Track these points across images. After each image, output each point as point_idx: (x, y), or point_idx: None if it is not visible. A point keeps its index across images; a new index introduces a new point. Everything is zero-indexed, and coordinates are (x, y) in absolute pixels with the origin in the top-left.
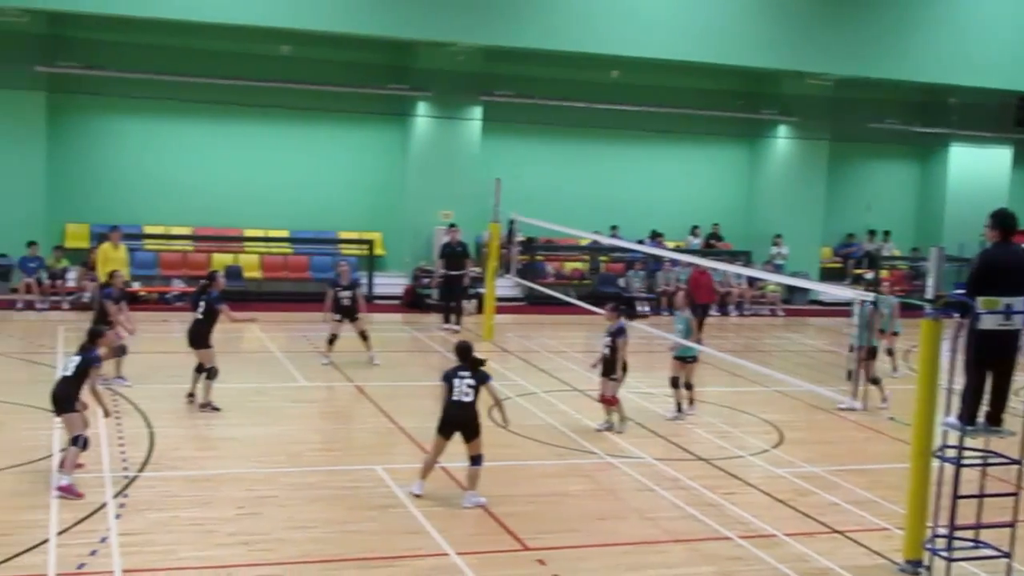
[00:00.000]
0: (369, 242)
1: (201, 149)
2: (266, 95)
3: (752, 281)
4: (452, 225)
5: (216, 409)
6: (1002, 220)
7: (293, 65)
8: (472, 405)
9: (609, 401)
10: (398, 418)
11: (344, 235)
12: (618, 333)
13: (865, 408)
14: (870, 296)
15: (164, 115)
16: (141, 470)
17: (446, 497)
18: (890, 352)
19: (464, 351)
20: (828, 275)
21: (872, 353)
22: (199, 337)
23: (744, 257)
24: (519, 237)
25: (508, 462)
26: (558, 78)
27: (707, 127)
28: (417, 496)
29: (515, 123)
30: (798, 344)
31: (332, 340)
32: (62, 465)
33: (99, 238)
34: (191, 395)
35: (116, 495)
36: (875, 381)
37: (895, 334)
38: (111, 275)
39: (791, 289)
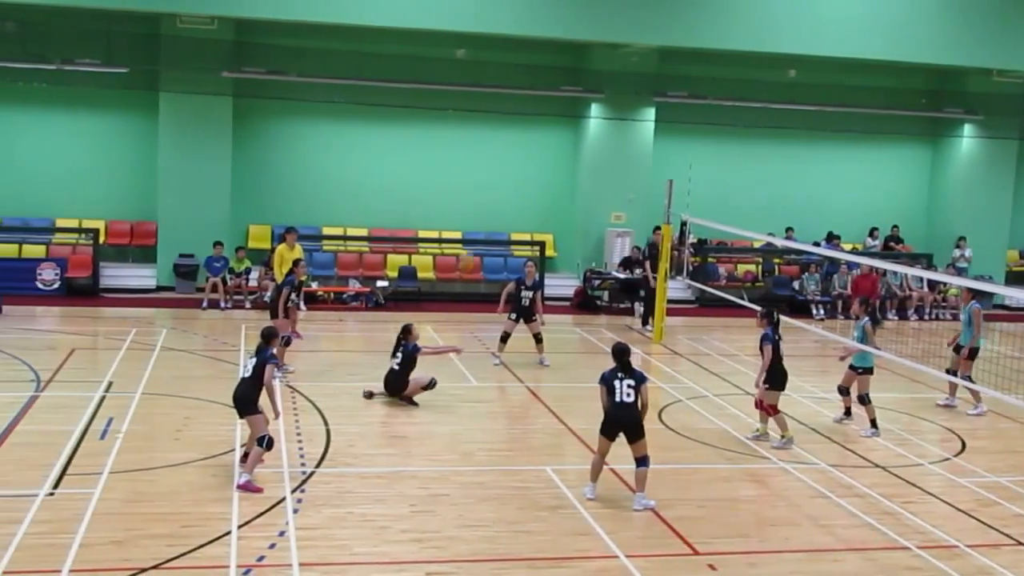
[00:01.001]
0: (541, 243)
1: (377, 152)
2: (441, 98)
3: (933, 285)
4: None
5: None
6: None
7: (468, 68)
8: (634, 406)
9: (766, 410)
10: (568, 419)
11: (516, 236)
12: (764, 340)
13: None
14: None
15: (341, 118)
16: (318, 466)
17: (615, 499)
18: None
19: (620, 353)
20: (1015, 279)
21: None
22: (397, 384)
23: (925, 260)
24: (691, 239)
25: (679, 465)
26: (732, 78)
27: (888, 126)
28: (590, 500)
29: (688, 124)
30: (982, 350)
31: (505, 339)
32: (244, 462)
33: (279, 239)
34: (369, 393)
35: (294, 490)
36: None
37: None
38: (296, 263)
39: (975, 293)
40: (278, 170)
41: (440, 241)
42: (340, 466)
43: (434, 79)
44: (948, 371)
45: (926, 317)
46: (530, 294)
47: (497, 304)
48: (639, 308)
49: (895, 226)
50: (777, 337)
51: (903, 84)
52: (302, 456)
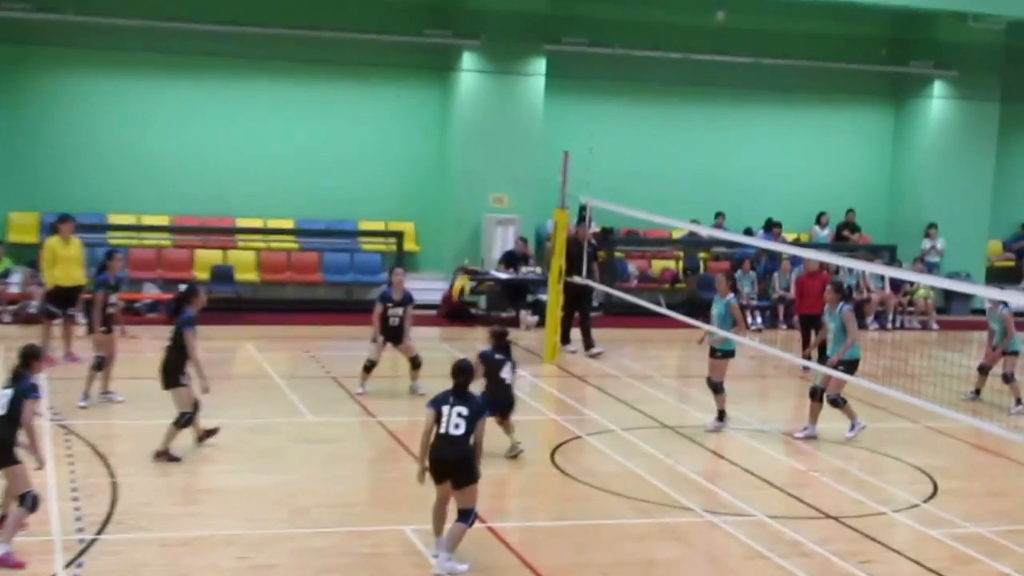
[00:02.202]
0: (398, 235)
1: (182, 117)
2: (275, 45)
3: (898, 285)
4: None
5: (174, 459)
6: None
7: (307, 8)
8: (463, 442)
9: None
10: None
11: (366, 226)
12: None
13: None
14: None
15: (134, 72)
16: (101, 531)
17: (494, 567)
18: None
19: (458, 372)
20: (998, 276)
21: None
22: (169, 372)
23: (887, 253)
24: (593, 228)
25: (577, 521)
26: (644, 21)
27: (840, 84)
28: (437, 558)
29: (589, 80)
30: (957, 366)
31: (370, 368)
32: (0, 528)
33: (49, 230)
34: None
35: (68, 564)
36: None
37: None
38: (109, 256)
39: (948, 295)
40: (49, 140)
41: (266, 232)
42: (131, 531)
43: (263, 21)
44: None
45: (889, 325)
46: (400, 311)
47: (356, 315)
48: (528, 317)
49: (850, 211)
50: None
51: (859, 31)
52: (79, 519)
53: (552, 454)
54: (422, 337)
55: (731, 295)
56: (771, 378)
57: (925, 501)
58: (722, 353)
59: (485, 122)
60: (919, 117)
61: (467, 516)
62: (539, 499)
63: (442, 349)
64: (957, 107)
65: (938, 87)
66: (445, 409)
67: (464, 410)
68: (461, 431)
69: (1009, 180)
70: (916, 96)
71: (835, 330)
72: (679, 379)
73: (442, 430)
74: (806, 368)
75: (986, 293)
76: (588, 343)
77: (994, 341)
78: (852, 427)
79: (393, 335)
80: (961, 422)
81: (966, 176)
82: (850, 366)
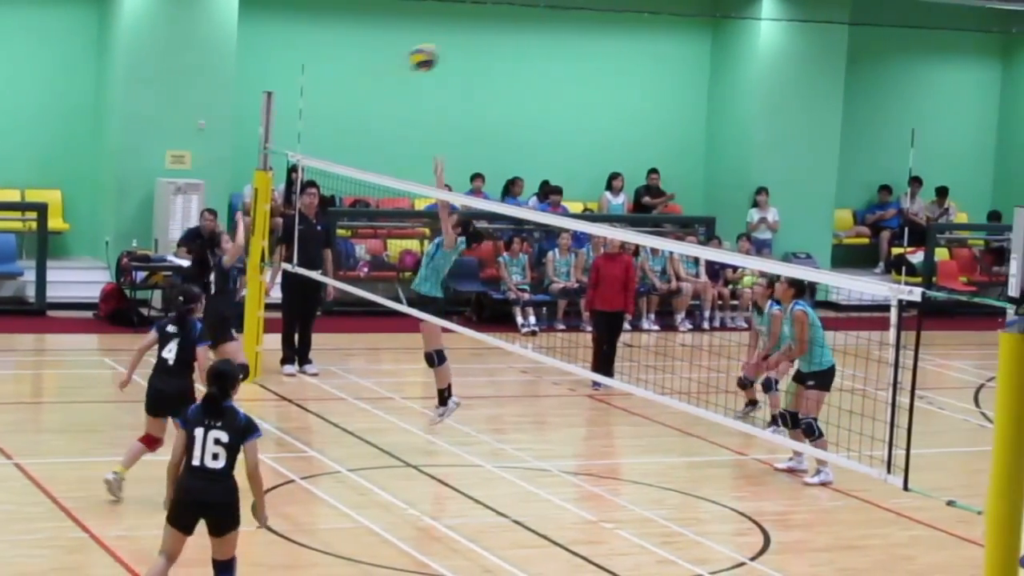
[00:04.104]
0: (40, 207)
1: None
2: None
3: (716, 271)
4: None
5: None
6: None
7: None
8: (224, 476)
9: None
10: (89, 520)
11: None
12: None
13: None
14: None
15: None
16: None
17: None
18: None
19: (217, 376)
20: (848, 257)
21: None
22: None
23: (704, 228)
24: (313, 195)
25: None
26: None
27: (636, 2)
28: None
29: None
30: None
31: None
32: None
33: None
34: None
35: None
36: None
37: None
38: None
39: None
40: None
41: None
42: None
43: None
44: None
45: (705, 324)
46: None
47: None
48: None
49: (653, 171)
50: None
51: None
52: None
53: (253, 505)
54: (69, 347)
55: None
56: (552, 398)
57: (753, 559)
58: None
59: (157, 54)
60: (744, 47)
61: (228, 569)
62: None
63: (104, 365)
64: (792, 34)
65: (767, 5)
66: (199, 433)
67: (223, 436)
68: (220, 464)
69: (863, 132)
70: (738, 16)
71: (786, 335)
72: (427, 401)
73: (195, 462)
74: (597, 384)
75: (833, 280)
76: (304, 356)
77: (761, 345)
78: (818, 472)
79: None
80: (804, 452)
81: (806, 127)
82: (825, 378)
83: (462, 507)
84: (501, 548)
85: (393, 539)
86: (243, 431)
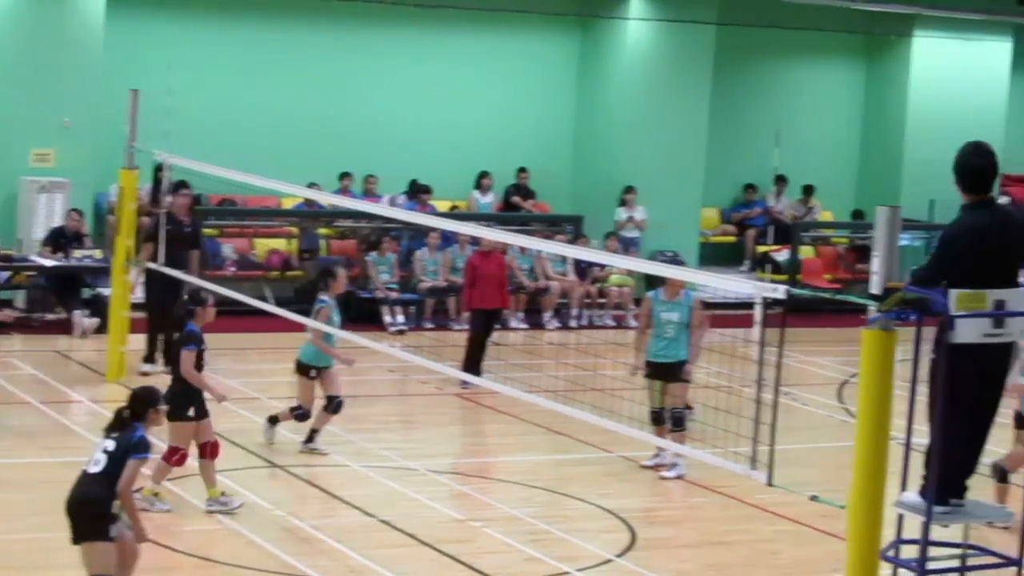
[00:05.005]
0: None
1: None
2: None
3: (584, 269)
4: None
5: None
6: (970, 170)
7: None
8: (95, 480)
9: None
10: None
11: None
12: None
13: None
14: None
15: None
16: None
17: None
18: None
19: (134, 399)
20: (715, 256)
21: None
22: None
23: (572, 226)
24: (187, 195)
25: None
26: None
27: (505, 0)
28: None
29: None
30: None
31: None
32: None
33: None
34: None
35: None
36: None
37: None
38: None
39: (651, 281)
40: None
41: None
42: None
43: None
44: None
45: (573, 323)
46: None
47: None
48: (84, 320)
49: (522, 170)
50: None
51: None
52: None
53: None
54: None
55: (325, 299)
56: (420, 397)
57: (620, 555)
58: (314, 370)
59: (21, 51)
60: (612, 46)
61: None
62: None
63: None
64: (661, 33)
65: (635, 5)
66: (97, 440)
67: (111, 445)
68: (99, 468)
69: (730, 131)
70: (607, 16)
71: (678, 326)
72: (293, 401)
73: (87, 467)
74: (466, 384)
75: (699, 278)
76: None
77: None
78: (674, 465)
79: None
80: (669, 449)
81: (674, 126)
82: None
83: (329, 507)
84: (368, 548)
85: (259, 540)
86: (129, 447)
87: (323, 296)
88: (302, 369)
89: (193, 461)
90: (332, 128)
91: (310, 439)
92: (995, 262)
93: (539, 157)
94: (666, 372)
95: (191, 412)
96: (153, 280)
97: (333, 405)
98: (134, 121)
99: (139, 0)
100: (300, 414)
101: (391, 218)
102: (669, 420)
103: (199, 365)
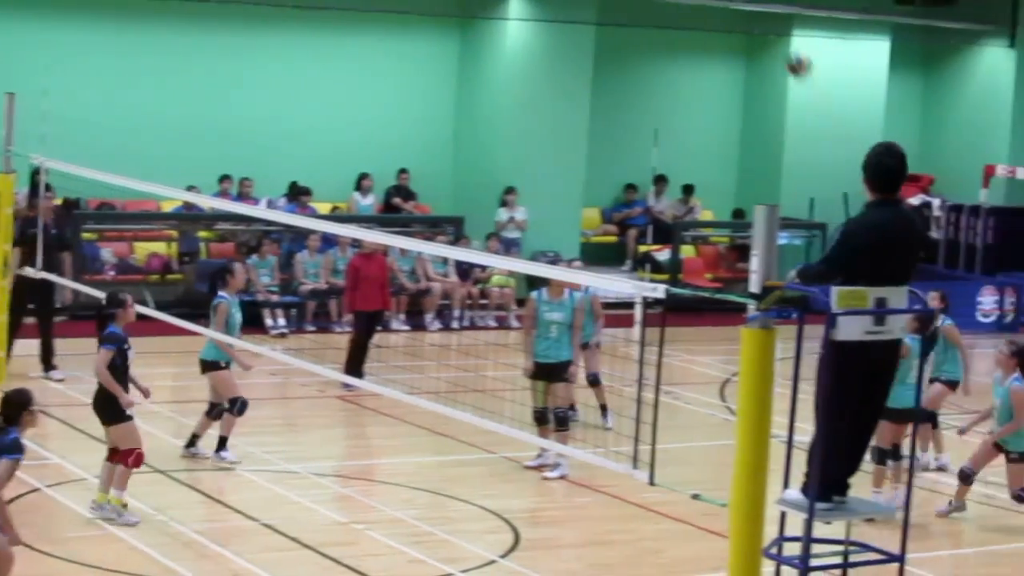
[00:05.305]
0: None
1: None
2: None
3: (466, 271)
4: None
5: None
6: (881, 169)
7: None
8: None
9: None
10: None
11: None
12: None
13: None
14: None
15: None
16: None
17: None
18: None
19: (8, 403)
20: (596, 256)
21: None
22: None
23: (453, 227)
24: (50, 198)
25: None
26: None
27: (384, 1)
28: None
29: None
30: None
31: None
32: None
33: None
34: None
35: None
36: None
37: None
38: None
39: (532, 282)
40: None
41: None
42: None
43: None
44: None
45: (455, 324)
46: None
47: None
48: None
49: (403, 172)
50: None
51: None
52: None
53: None
54: None
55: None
56: (302, 400)
57: (504, 556)
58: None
59: None
60: (491, 45)
61: None
62: None
63: None
64: (539, 32)
65: (515, 5)
66: None
67: None
68: None
69: (610, 131)
70: (486, 16)
71: (562, 326)
72: (175, 405)
73: None
74: (348, 386)
75: (580, 278)
76: (48, 361)
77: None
78: (557, 465)
79: None
80: (552, 449)
81: (554, 126)
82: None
83: (211, 511)
84: (251, 552)
85: (141, 545)
86: (2, 448)
87: (222, 293)
88: (208, 366)
89: (90, 462)
90: (211, 130)
91: (191, 443)
92: (894, 259)
93: (420, 158)
94: (550, 372)
95: (129, 411)
96: (16, 285)
97: (238, 406)
98: (10, 124)
99: (13, 2)
100: (238, 409)
101: (272, 221)
102: (553, 420)
103: (124, 365)
